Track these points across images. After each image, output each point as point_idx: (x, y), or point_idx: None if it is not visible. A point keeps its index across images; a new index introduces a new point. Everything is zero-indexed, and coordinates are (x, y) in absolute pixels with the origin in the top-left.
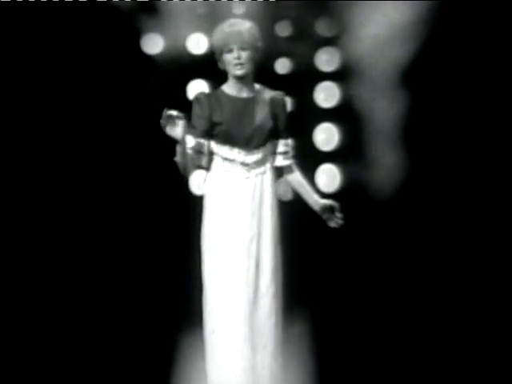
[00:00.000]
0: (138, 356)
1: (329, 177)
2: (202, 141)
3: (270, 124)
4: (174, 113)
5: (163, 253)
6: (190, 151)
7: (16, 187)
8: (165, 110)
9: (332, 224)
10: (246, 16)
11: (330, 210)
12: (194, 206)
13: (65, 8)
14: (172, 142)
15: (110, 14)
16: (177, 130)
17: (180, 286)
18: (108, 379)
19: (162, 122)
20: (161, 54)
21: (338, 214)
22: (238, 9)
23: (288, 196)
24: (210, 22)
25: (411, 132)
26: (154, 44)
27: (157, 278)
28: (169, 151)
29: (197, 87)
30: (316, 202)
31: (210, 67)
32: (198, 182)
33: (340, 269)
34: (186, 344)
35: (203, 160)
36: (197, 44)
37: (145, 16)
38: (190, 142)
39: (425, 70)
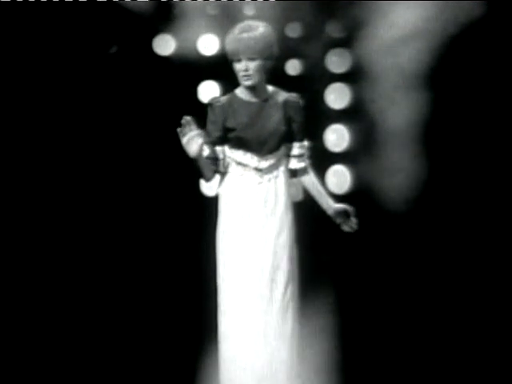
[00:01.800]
0: (146, 359)
1: (339, 178)
2: (218, 148)
3: (283, 128)
4: (192, 124)
5: (178, 255)
6: (206, 159)
7: (23, 191)
8: (184, 117)
9: (346, 228)
10: (256, 17)
11: (344, 214)
12: (209, 208)
13: (76, 8)
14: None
15: (122, 15)
16: (193, 146)
17: (195, 288)
18: None
19: (180, 130)
20: (172, 55)
21: (353, 219)
22: (249, 10)
23: (299, 196)
24: (221, 22)
25: (422, 133)
26: (165, 45)
27: (172, 281)
28: (182, 152)
29: (208, 88)
30: (330, 205)
31: (221, 68)
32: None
33: (355, 268)
34: (203, 348)
35: (220, 166)
36: (208, 45)
37: (156, 17)
38: (206, 150)
39: (437, 72)
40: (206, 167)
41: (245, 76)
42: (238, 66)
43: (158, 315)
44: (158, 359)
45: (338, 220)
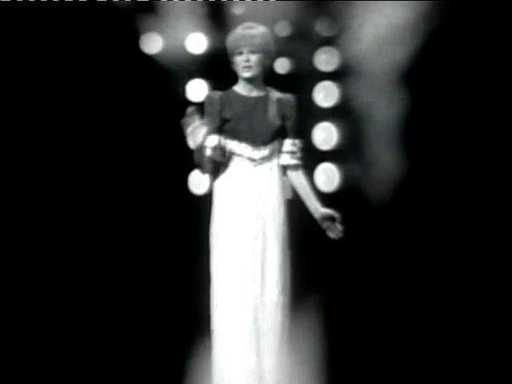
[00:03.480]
0: (145, 360)
1: (327, 176)
2: (216, 136)
3: (277, 122)
4: (196, 115)
5: (168, 255)
6: (209, 150)
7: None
8: (188, 108)
9: (331, 235)
10: (245, 16)
11: (330, 219)
12: (198, 206)
13: (64, 8)
14: (173, 142)
15: (110, 14)
16: (198, 136)
17: (188, 286)
18: None
19: (184, 120)
20: (160, 54)
21: (339, 226)
22: (238, 9)
23: (288, 195)
24: (209, 21)
25: (410, 131)
26: (153, 43)
27: (164, 280)
28: (170, 150)
29: (196, 87)
30: (317, 209)
31: (209, 67)
32: (197, 181)
33: (344, 267)
34: (196, 346)
35: (220, 155)
36: (196, 43)
37: (144, 15)
38: (212, 140)
39: (424, 70)
40: (206, 159)
41: (246, 67)
42: (239, 59)
43: (151, 314)
44: (152, 358)
45: (324, 225)
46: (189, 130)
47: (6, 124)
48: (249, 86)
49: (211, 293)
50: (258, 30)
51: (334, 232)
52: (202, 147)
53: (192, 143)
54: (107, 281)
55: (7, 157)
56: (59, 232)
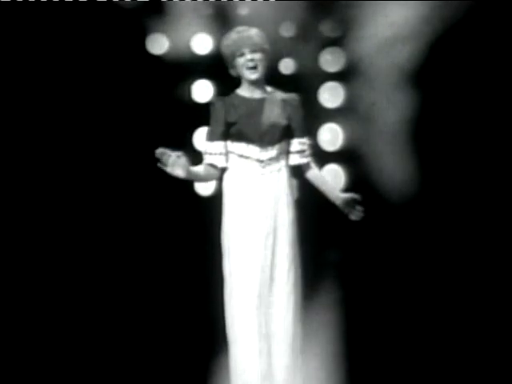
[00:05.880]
0: (158, 365)
1: (333, 177)
2: (222, 142)
3: (283, 122)
4: (167, 151)
5: (179, 259)
6: (210, 157)
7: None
8: (156, 151)
9: (353, 217)
10: (250, 17)
11: (352, 202)
12: (205, 207)
13: (70, 8)
14: (179, 142)
15: (115, 14)
16: (179, 170)
17: (202, 291)
18: None
19: (159, 164)
20: (166, 54)
21: (359, 207)
22: (243, 9)
23: (294, 195)
24: (214, 22)
25: (416, 132)
26: (158, 44)
27: (177, 285)
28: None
29: (201, 87)
30: (338, 196)
31: (214, 67)
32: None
33: (351, 268)
34: (216, 349)
35: (223, 161)
36: (201, 44)
37: (150, 16)
38: (211, 147)
39: (429, 71)
40: (200, 177)
41: (251, 68)
42: (242, 60)
43: (168, 318)
44: (169, 364)
45: (346, 210)
46: (169, 169)
47: (9, 124)
48: (252, 88)
49: (225, 294)
50: (252, 31)
51: (355, 214)
52: (189, 176)
53: (178, 177)
54: (119, 293)
55: (14, 155)
56: (64, 237)
